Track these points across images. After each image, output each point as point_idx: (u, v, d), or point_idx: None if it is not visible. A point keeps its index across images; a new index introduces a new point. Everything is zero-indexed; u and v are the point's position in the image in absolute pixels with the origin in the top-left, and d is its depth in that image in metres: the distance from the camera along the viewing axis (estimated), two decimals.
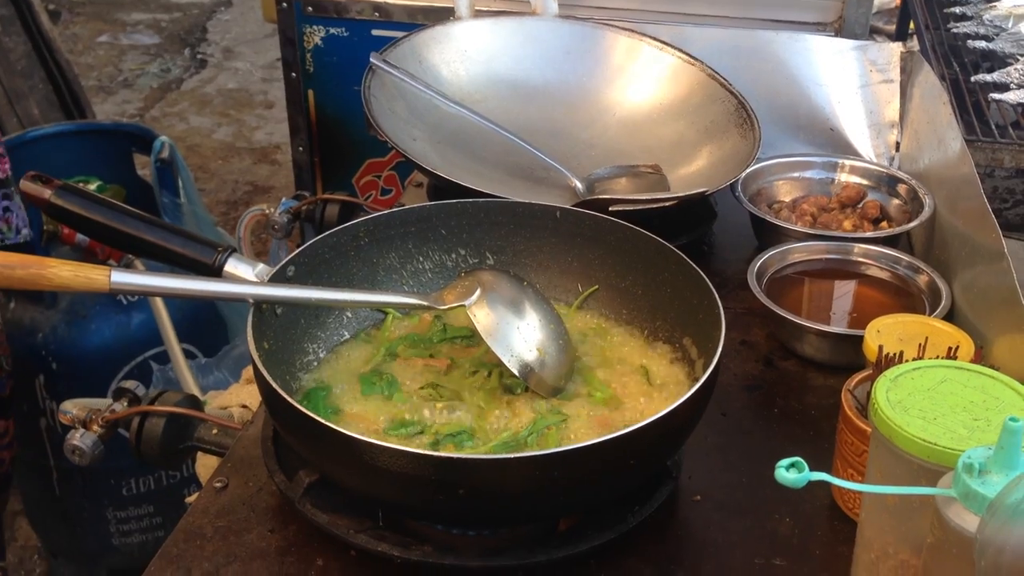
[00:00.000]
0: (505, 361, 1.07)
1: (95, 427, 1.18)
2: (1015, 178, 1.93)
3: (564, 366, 1.11)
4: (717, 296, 1.05)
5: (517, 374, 1.07)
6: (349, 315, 1.20)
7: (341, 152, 2.26)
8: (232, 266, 1.11)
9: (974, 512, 0.72)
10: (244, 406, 1.43)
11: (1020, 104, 1.96)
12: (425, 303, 1.12)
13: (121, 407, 1.18)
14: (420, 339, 1.17)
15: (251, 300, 1.05)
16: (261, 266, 1.12)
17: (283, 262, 1.12)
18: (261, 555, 0.98)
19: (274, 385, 0.93)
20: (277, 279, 1.10)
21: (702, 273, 1.09)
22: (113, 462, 2.02)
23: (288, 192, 1.95)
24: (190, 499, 1.10)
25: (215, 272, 1.12)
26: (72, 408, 1.21)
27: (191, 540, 0.99)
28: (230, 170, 4.28)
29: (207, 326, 2.11)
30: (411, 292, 1.20)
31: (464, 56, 1.68)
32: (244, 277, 1.11)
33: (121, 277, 1.01)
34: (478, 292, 1.10)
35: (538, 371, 1.08)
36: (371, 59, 1.55)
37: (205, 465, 1.36)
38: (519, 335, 1.09)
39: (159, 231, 1.11)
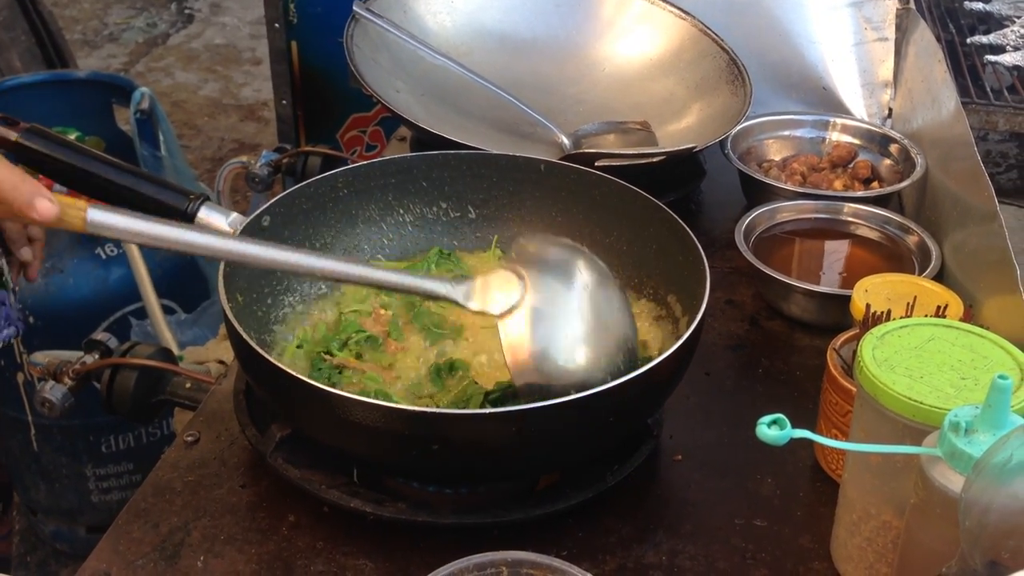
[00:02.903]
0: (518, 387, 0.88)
1: (65, 379, 1.16)
2: (1009, 142, 1.91)
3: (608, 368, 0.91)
4: (703, 253, 1.02)
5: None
6: None
7: (325, 106, 2.22)
8: (205, 214, 1.08)
9: (959, 472, 0.71)
10: (221, 361, 1.41)
11: (1016, 67, 1.94)
12: (454, 297, 0.88)
13: (92, 359, 1.15)
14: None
15: (234, 261, 0.92)
16: (235, 215, 1.09)
17: (258, 211, 1.09)
18: (231, 510, 0.96)
19: (245, 336, 0.90)
20: (251, 229, 1.06)
21: (688, 230, 1.06)
22: (91, 418, 2.01)
23: None
24: None
25: (187, 220, 1.09)
26: (42, 359, 1.19)
27: (160, 495, 0.97)
28: (216, 127, 4.22)
29: (187, 281, 2.08)
30: (427, 275, 0.95)
31: (450, 6, 1.65)
32: (217, 226, 1.08)
33: (99, 216, 0.87)
34: (518, 294, 0.86)
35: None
36: (354, 7, 1.51)
37: (182, 421, 1.34)
38: (561, 366, 0.86)
39: (130, 177, 1.08)
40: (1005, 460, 0.63)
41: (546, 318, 0.89)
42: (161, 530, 0.94)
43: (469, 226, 1.21)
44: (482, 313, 0.90)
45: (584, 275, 0.93)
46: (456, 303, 0.90)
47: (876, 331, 0.85)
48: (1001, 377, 0.69)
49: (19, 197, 0.87)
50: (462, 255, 1.20)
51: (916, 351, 0.83)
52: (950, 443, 0.71)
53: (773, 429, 0.74)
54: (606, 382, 0.86)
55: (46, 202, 0.87)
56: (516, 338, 0.88)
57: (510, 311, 0.88)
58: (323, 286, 1.15)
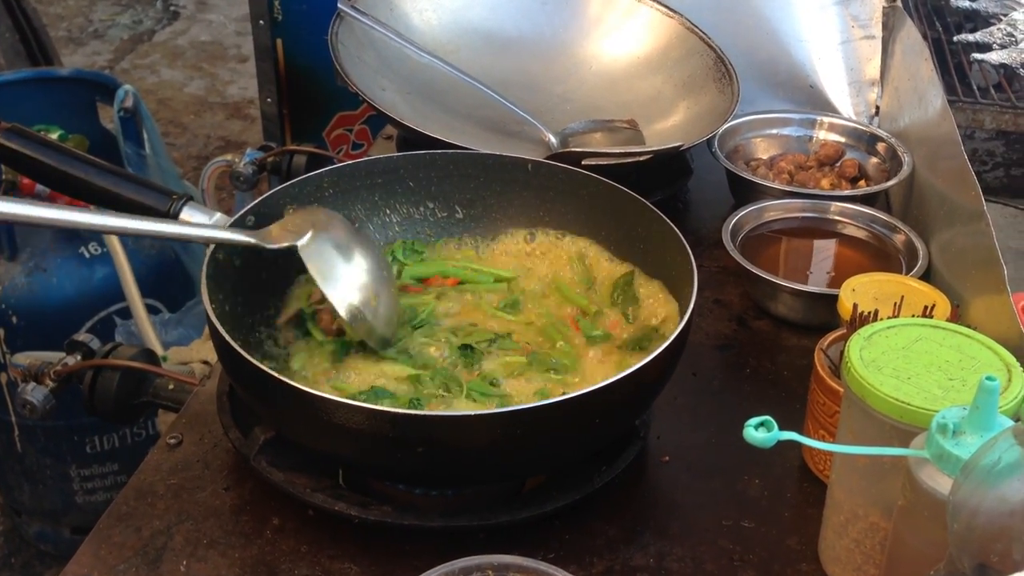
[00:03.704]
0: (335, 303, 1.01)
1: (47, 381, 1.15)
2: (995, 140, 1.91)
3: (393, 316, 1.07)
4: (691, 252, 1.02)
5: (346, 319, 1.01)
6: None
7: (311, 104, 2.21)
8: (188, 215, 1.07)
9: (947, 474, 0.70)
10: (205, 362, 1.40)
11: (1002, 65, 1.94)
12: (252, 240, 1.02)
13: (74, 360, 1.14)
14: None
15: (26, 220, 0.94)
16: (219, 215, 1.08)
17: (242, 211, 1.08)
18: (215, 514, 0.95)
19: (227, 337, 0.89)
20: (237, 228, 1.05)
21: (676, 229, 1.06)
22: (75, 419, 2.00)
23: None
24: None
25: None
26: (24, 361, 1.18)
27: (142, 498, 0.96)
28: (202, 125, 4.20)
29: (171, 281, 2.06)
30: (240, 229, 1.05)
31: (436, 4, 1.63)
32: (201, 226, 1.07)
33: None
34: (310, 233, 1.02)
35: (370, 319, 1.03)
36: (339, 5, 1.50)
37: (167, 422, 1.33)
38: (352, 280, 1.03)
39: (110, 177, 1.06)
40: (993, 462, 0.62)
41: (334, 243, 1.05)
42: (143, 534, 0.92)
43: (456, 226, 1.20)
44: (283, 248, 1.02)
45: (351, 223, 1.12)
46: (261, 247, 1.02)
47: (863, 331, 0.85)
48: (988, 379, 0.69)
49: None
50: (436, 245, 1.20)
51: (903, 352, 0.82)
52: (938, 445, 0.71)
53: (760, 431, 0.74)
54: (388, 295, 1.06)
55: None
56: (317, 258, 1.03)
57: (308, 243, 1.03)
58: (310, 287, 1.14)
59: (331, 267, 1.03)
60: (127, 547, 0.91)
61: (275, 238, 1.03)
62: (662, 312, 1.07)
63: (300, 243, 1.02)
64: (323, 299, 1.04)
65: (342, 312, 1.01)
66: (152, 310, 1.96)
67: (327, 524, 0.93)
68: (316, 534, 0.93)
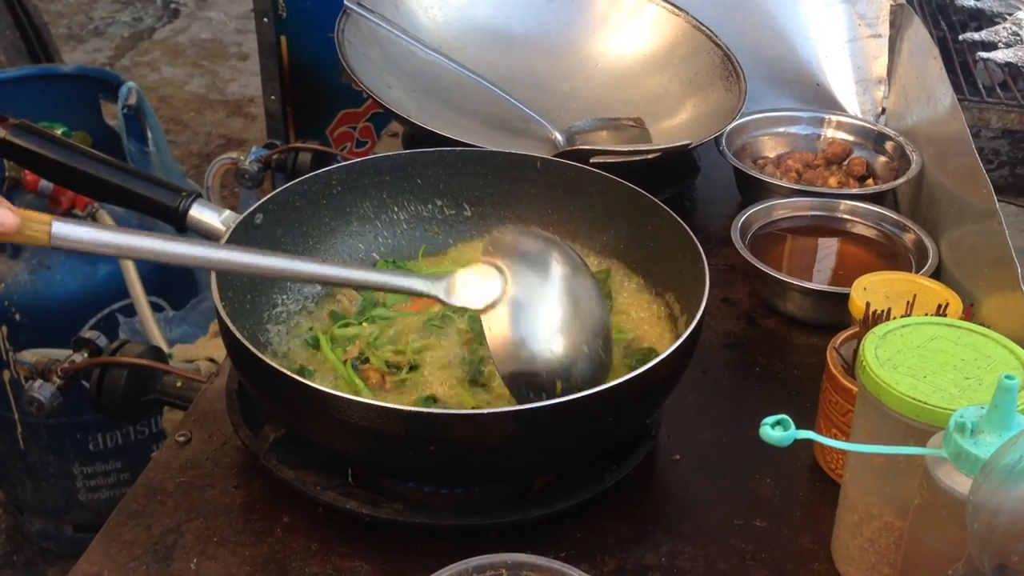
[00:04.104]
0: (513, 395, 0.89)
1: (54, 378, 1.14)
2: (1001, 139, 1.91)
3: (597, 376, 0.92)
4: (702, 251, 1.01)
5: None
6: None
7: (315, 102, 2.21)
8: (197, 212, 1.07)
9: (966, 473, 0.70)
10: (211, 359, 1.40)
11: (1008, 63, 1.94)
12: (435, 294, 0.89)
13: (81, 358, 1.14)
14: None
15: (213, 269, 0.88)
16: (228, 212, 1.08)
17: (251, 209, 1.07)
18: (225, 511, 0.94)
19: (239, 335, 0.89)
20: (244, 226, 1.05)
21: (687, 227, 1.05)
22: (79, 416, 1.99)
23: None
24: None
25: (179, 218, 1.07)
26: (31, 358, 1.18)
27: (152, 496, 0.96)
28: (202, 122, 4.19)
29: (175, 278, 2.06)
30: (408, 273, 0.94)
31: (442, 1, 1.63)
32: (210, 223, 1.07)
33: (64, 230, 0.81)
34: (499, 289, 0.87)
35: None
36: (345, 2, 1.49)
37: (172, 420, 1.33)
38: (544, 355, 0.88)
39: (120, 174, 1.06)
40: (1014, 462, 0.62)
41: (526, 309, 0.91)
42: (153, 532, 0.92)
43: (465, 224, 1.20)
44: (464, 308, 0.91)
45: (560, 266, 0.94)
46: (438, 300, 0.91)
47: (878, 330, 0.84)
48: (1007, 377, 0.68)
49: None
50: (459, 247, 1.19)
51: (919, 350, 0.82)
52: (956, 444, 0.70)
53: (777, 430, 0.73)
54: (586, 369, 0.90)
55: (7, 212, 0.80)
56: (499, 331, 0.89)
57: (492, 305, 0.90)
58: (317, 285, 1.14)
59: (517, 345, 0.88)
60: (137, 545, 0.91)
61: (456, 292, 0.89)
62: (642, 315, 1.08)
63: (481, 306, 0.89)
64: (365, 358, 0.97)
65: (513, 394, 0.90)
66: (156, 308, 1.96)
67: (337, 522, 0.93)
68: (326, 532, 0.93)
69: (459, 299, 0.90)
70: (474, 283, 0.91)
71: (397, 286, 0.92)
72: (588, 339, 0.93)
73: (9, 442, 2.10)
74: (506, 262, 0.92)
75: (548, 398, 0.87)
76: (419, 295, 0.92)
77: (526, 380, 0.91)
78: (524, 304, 0.90)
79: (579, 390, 0.85)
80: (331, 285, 1.02)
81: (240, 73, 4.57)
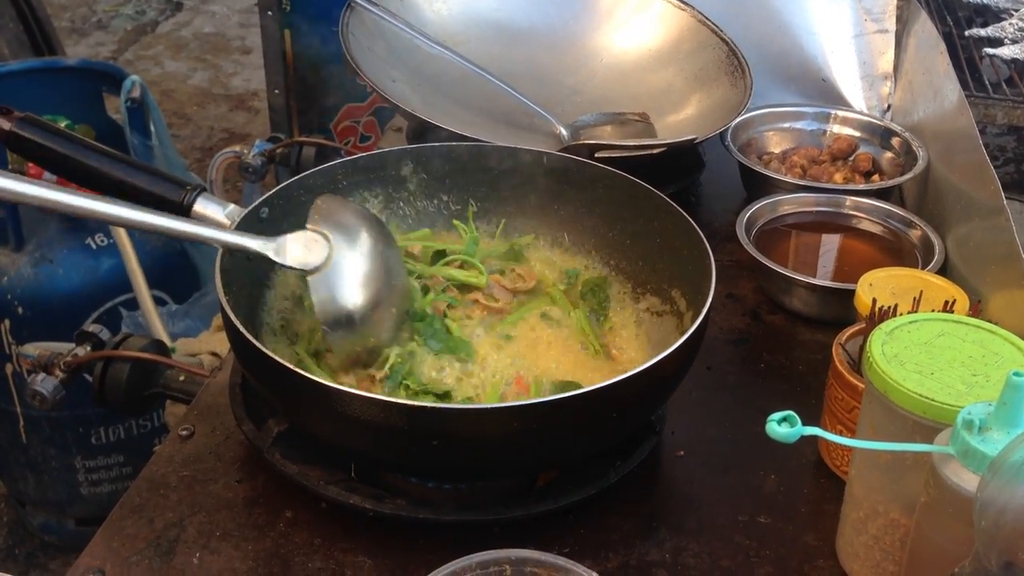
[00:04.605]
0: (334, 351, 0.98)
1: (57, 371, 1.14)
2: (1007, 135, 1.90)
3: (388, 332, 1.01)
4: (708, 246, 1.01)
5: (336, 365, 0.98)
6: None
7: (319, 96, 2.20)
8: (201, 206, 1.06)
9: (973, 470, 0.69)
10: (214, 353, 1.39)
11: (1014, 60, 1.93)
12: (265, 253, 0.96)
13: (84, 351, 1.13)
14: None
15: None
16: (232, 206, 1.07)
17: (256, 203, 1.07)
18: (227, 506, 0.94)
19: (242, 329, 0.88)
20: (249, 220, 1.05)
21: (693, 223, 1.05)
22: (81, 410, 1.99)
23: None
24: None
25: (183, 212, 1.07)
26: (33, 352, 1.17)
27: (155, 490, 0.95)
28: (205, 116, 4.19)
29: (178, 272, 2.06)
30: (244, 233, 0.99)
31: None
32: (214, 218, 1.06)
33: None
34: (324, 255, 0.96)
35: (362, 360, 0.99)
36: None
37: (174, 414, 1.32)
38: (356, 313, 0.97)
39: (124, 167, 1.05)
40: (1022, 459, 0.62)
41: (346, 275, 0.98)
42: (156, 526, 0.92)
43: (472, 218, 1.19)
44: (294, 269, 0.97)
45: (370, 237, 1.02)
46: (270, 259, 0.97)
47: (885, 326, 0.84)
48: (1016, 374, 0.68)
49: None
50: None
51: (926, 347, 0.81)
52: (963, 441, 0.70)
53: (784, 427, 0.73)
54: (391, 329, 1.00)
55: None
56: (324, 293, 0.97)
57: (318, 269, 0.97)
58: None
59: (335, 305, 0.97)
60: (140, 538, 0.90)
61: (287, 254, 0.97)
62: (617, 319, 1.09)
63: (309, 266, 0.96)
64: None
65: (336, 362, 0.98)
66: (158, 301, 1.95)
67: (341, 517, 0.93)
68: (330, 527, 0.92)
69: (290, 260, 0.97)
70: (303, 247, 0.98)
71: (232, 243, 0.98)
72: (396, 302, 1.02)
73: (11, 435, 2.10)
74: (330, 230, 0.99)
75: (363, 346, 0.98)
76: (252, 254, 0.98)
77: (347, 332, 0.98)
78: (344, 270, 0.98)
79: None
80: (156, 233, 1.03)
81: (243, 67, 4.57)
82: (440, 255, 1.13)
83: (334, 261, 0.97)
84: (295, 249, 0.97)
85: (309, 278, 0.97)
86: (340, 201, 1.05)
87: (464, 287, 1.10)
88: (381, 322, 1.00)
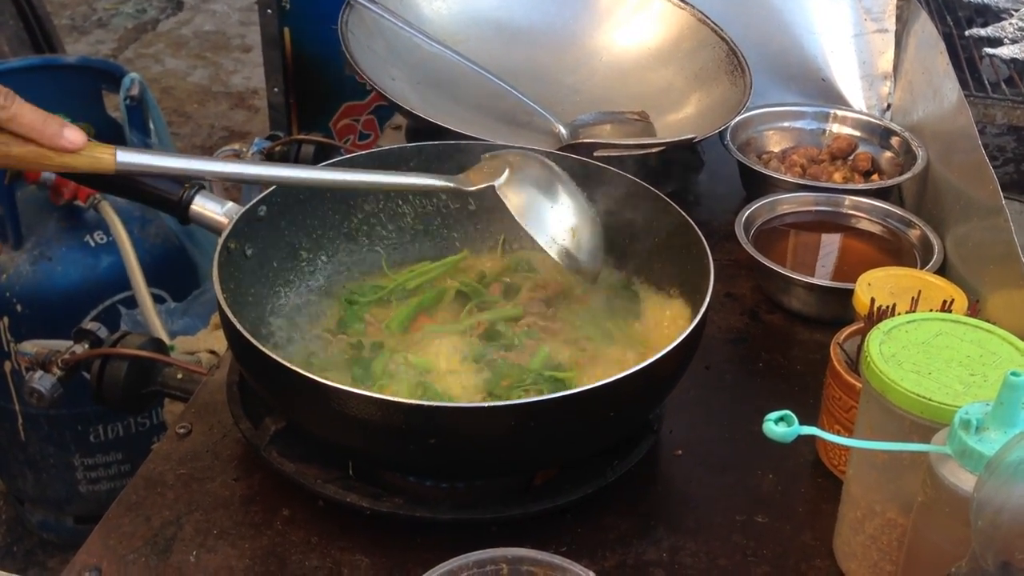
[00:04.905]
0: (542, 243, 1.02)
1: (54, 369, 1.14)
2: (1006, 135, 1.90)
3: (598, 250, 1.07)
4: (707, 245, 1.01)
5: (555, 257, 1.02)
6: (324, 259, 1.15)
7: (318, 94, 2.20)
8: (200, 203, 1.06)
9: (970, 470, 0.69)
10: (212, 351, 1.39)
11: (1014, 59, 1.92)
12: (451, 184, 1.03)
13: (82, 349, 1.13)
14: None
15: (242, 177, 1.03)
16: (230, 204, 1.08)
17: (254, 201, 1.07)
18: (224, 504, 0.94)
19: (240, 327, 0.88)
20: (248, 218, 1.05)
21: (692, 222, 1.05)
22: (80, 408, 1.99)
23: None
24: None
25: (181, 209, 1.07)
26: (31, 349, 1.17)
27: (152, 487, 0.95)
28: (206, 114, 4.19)
29: (177, 270, 2.05)
30: (434, 175, 1.07)
31: None
32: (212, 215, 1.06)
33: (127, 157, 0.92)
34: (507, 172, 1.02)
35: (576, 254, 1.03)
36: None
37: (173, 412, 1.32)
38: (553, 216, 1.02)
39: None
40: (1020, 459, 0.61)
41: (532, 181, 1.04)
42: (153, 524, 0.92)
43: (469, 218, 1.19)
44: (482, 189, 1.02)
45: (549, 164, 1.07)
46: (458, 189, 1.03)
47: (883, 326, 0.84)
48: (1014, 374, 0.68)
49: (47, 130, 0.88)
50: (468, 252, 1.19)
51: (924, 346, 0.81)
52: (960, 441, 0.70)
53: (781, 426, 0.73)
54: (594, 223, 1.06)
55: (75, 131, 0.90)
56: (515, 196, 1.02)
57: (506, 181, 1.03)
58: (320, 278, 1.13)
59: (531, 205, 1.02)
60: (137, 536, 0.90)
61: (473, 181, 1.03)
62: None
63: (498, 183, 1.02)
64: None
65: (550, 251, 1.02)
66: (157, 299, 1.95)
67: (338, 515, 0.93)
68: (327, 525, 0.92)
69: (476, 184, 1.03)
70: (486, 172, 1.04)
71: (418, 185, 1.07)
72: (584, 201, 1.07)
73: (10, 433, 2.10)
74: (507, 159, 1.06)
75: (576, 251, 1.03)
76: (440, 190, 1.08)
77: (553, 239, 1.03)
78: (529, 178, 1.04)
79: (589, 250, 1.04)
80: (351, 189, 1.11)
81: (243, 65, 4.57)
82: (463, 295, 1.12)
83: (515, 175, 1.03)
84: (477, 177, 1.04)
85: (498, 190, 1.02)
86: (505, 151, 1.11)
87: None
88: (579, 224, 1.04)
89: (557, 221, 1.03)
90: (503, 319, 1.07)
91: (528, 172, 1.04)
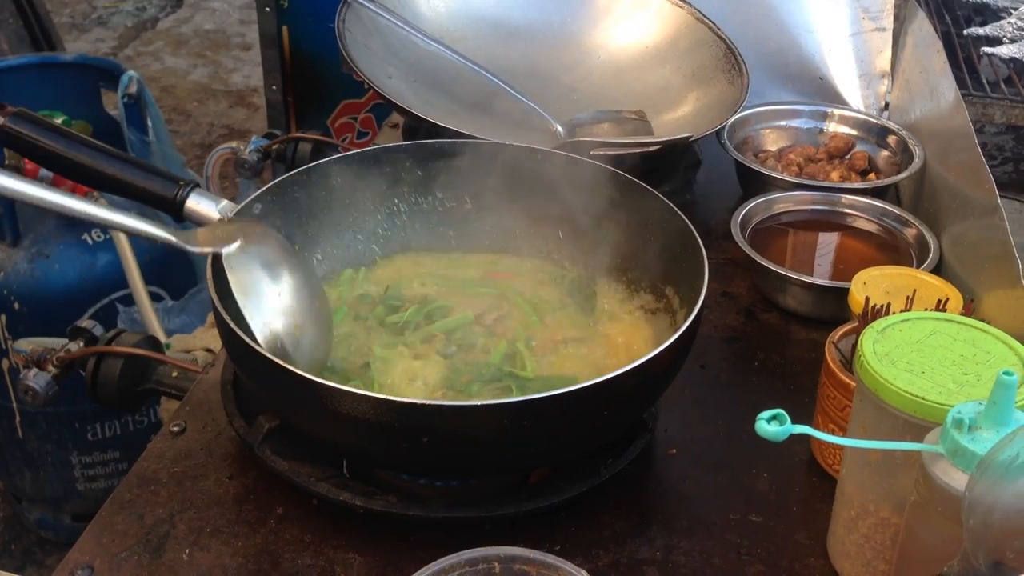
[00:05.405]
0: (254, 328, 0.93)
1: (49, 367, 1.14)
2: (1005, 134, 1.90)
3: (320, 352, 1.00)
4: (701, 244, 1.01)
5: (262, 345, 0.91)
6: (319, 256, 1.15)
7: (316, 92, 2.20)
8: (194, 201, 1.06)
9: (962, 469, 0.69)
10: (208, 350, 1.39)
11: (1013, 59, 1.92)
12: (174, 240, 0.95)
13: (77, 347, 1.13)
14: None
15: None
16: (225, 202, 1.07)
17: (249, 199, 1.07)
18: (218, 502, 0.94)
19: (232, 325, 0.88)
20: (243, 216, 1.04)
21: (687, 221, 1.04)
22: (77, 406, 1.99)
23: None
24: None
25: (176, 207, 1.07)
26: (26, 347, 1.17)
27: (145, 486, 0.95)
28: (205, 112, 4.19)
29: (174, 268, 2.06)
30: (164, 225, 0.98)
31: None
32: (207, 213, 1.06)
33: None
34: (239, 242, 0.96)
35: (289, 350, 0.95)
36: None
37: (169, 410, 1.32)
38: (275, 303, 0.96)
39: (117, 163, 1.05)
40: (1011, 458, 0.61)
41: (262, 258, 0.99)
42: (146, 522, 0.92)
43: (464, 215, 1.19)
44: (206, 252, 0.96)
45: (287, 243, 1.04)
46: (184, 248, 0.97)
47: (876, 325, 0.84)
48: (1006, 373, 0.68)
49: None
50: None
51: (917, 346, 0.81)
52: (953, 440, 0.70)
53: (773, 425, 0.73)
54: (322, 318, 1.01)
55: None
56: (241, 270, 0.96)
57: (234, 252, 0.97)
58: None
59: (254, 284, 0.96)
60: (130, 535, 0.90)
61: (200, 242, 0.97)
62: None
63: (225, 251, 0.96)
64: None
65: (258, 335, 0.93)
66: (155, 297, 1.95)
67: (331, 514, 0.93)
68: (320, 523, 0.92)
69: (203, 247, 0.97)
70: (218, 235, 0.98)
71: (142, 231, 0.97)
72: (317, 293, 1.03)
73: (8, 431, 2.10)
74: (243, 228, 1.00)
75: (291, 346, 0.96)
76: (163, 242, 0.97)
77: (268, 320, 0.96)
78: (260, 256, 0.99)
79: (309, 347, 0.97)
80: (83, 221, 1.02)
81: (243, 63, 4.57)
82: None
83: (247, 248, 0.97)
84: (207, 238, 0.97)
85: (225, 260, 0.96)
86: (249, 220, 1.05)
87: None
88: (302, 318, 0.98)
89: (275, 309, 0.96)
90: (457, 326, 1.06)
91: (260, 249, 0.98)
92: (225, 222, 1.01)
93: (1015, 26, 1.99)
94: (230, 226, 0.99)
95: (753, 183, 1.42)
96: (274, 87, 2.20)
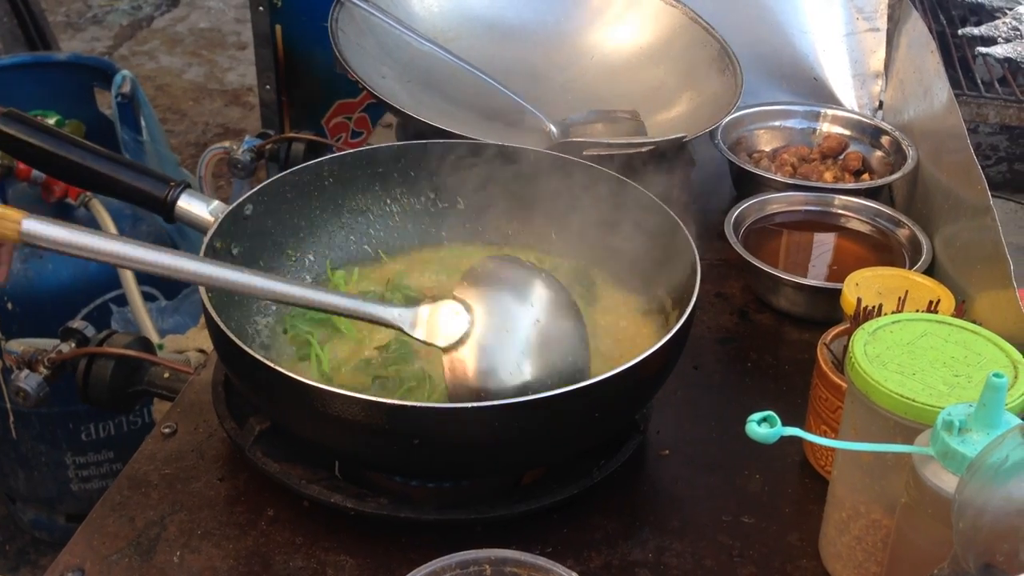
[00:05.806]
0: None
1: (41, 368, 1.14)
2: (999, 134, 1.90)
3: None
4: (694, 245, 1.01)
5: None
6: (311, 258, 1.15)
7: (310, 91, 2.19)
8: (185, 202, 1.06)
9: (952, 472, 0.69)
10: (201, 350, 1.39)
11: (1007, 59, 1.92)
12: (391, 320, 0.89)
13: (68, 348, 1.13)
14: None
15: (173, 277, 0.86)
16: (216, 203, 1.07)
17: (240, 200, 1.07)
18: (209, 504, 0.94)
19: (223, 327, 0.88)
20: (233, 217, 1.04)
21: (680, 221, 1.04)
22: (71, 406, 1.99)
23: None
24: None
25: (167, 208, 1.07)
26: (18, 348, 1.17)
27: (136, 488, 0.95)
28: (200, 112, 4.18)
29: None
30: (374, 301, 0.93)
31: None
32: (198, 214, 1.06)
33: (35, 227, 0.81)
34: (464, 328, 0.87)
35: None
36: None
37: (162, 411, 1.32)
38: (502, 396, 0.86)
39: (108, 163, 1.05)
40: (1000, 461, 0.61)
41: (490, 354, 0.89)
42: (137, 524, 0.91)
43: (457, 216, 1.19)
44: (427, 343, 0.90)
45: (536, 307, 0.92)
46: (402, 331, 0.90)
47: (868, 326, 0.84)
48: (996, 375, 0.68)
49: None
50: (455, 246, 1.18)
51: (908, 347, 0.81)
52: (943, 442, 0.70)
53: (763, 427, 0.73)
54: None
55: None
56: (459, 373, 0.88)
57: (455, 345, 0.89)
58: (307, 277, 1.13)
59: (476, 381, 0.88)
60: (120, 537, 0.90)
61: (421, 325, 0.88)
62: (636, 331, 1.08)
63: (443, 344, 0.88)
64: None
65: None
66: (148, 297, 1.95)
67: (322, 516, 0.92)
68: (311, 526, 0.92)
69: (422, 333, 0.89)
70: (440, 318, 0.90)
71: (363, 313, 0.90)
72: (555, 387, 0.87)
73: (1, 431, 2.10)
74: (477, 297, 0.90)
75: None
76: (383, 324, 0.91)
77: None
78: (488, 348, 0.89)
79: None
80: (293, 306, 0.97)
81: (238, 62, 4.56)
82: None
83: (475, 337, 0.88)
84: (430, 320, 0.89)
85: (444, 356, 0.89)
86: (505, 264, 0.95)
87: None
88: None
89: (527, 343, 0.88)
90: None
91: (498, 319, 0.87)
92: (460, 283, 0.91)
93: (1010, 26, 1.99)
94: (449, 304, 0.90)
95: (747, 183, 1.41)
96: (268, 86, 2.19)
